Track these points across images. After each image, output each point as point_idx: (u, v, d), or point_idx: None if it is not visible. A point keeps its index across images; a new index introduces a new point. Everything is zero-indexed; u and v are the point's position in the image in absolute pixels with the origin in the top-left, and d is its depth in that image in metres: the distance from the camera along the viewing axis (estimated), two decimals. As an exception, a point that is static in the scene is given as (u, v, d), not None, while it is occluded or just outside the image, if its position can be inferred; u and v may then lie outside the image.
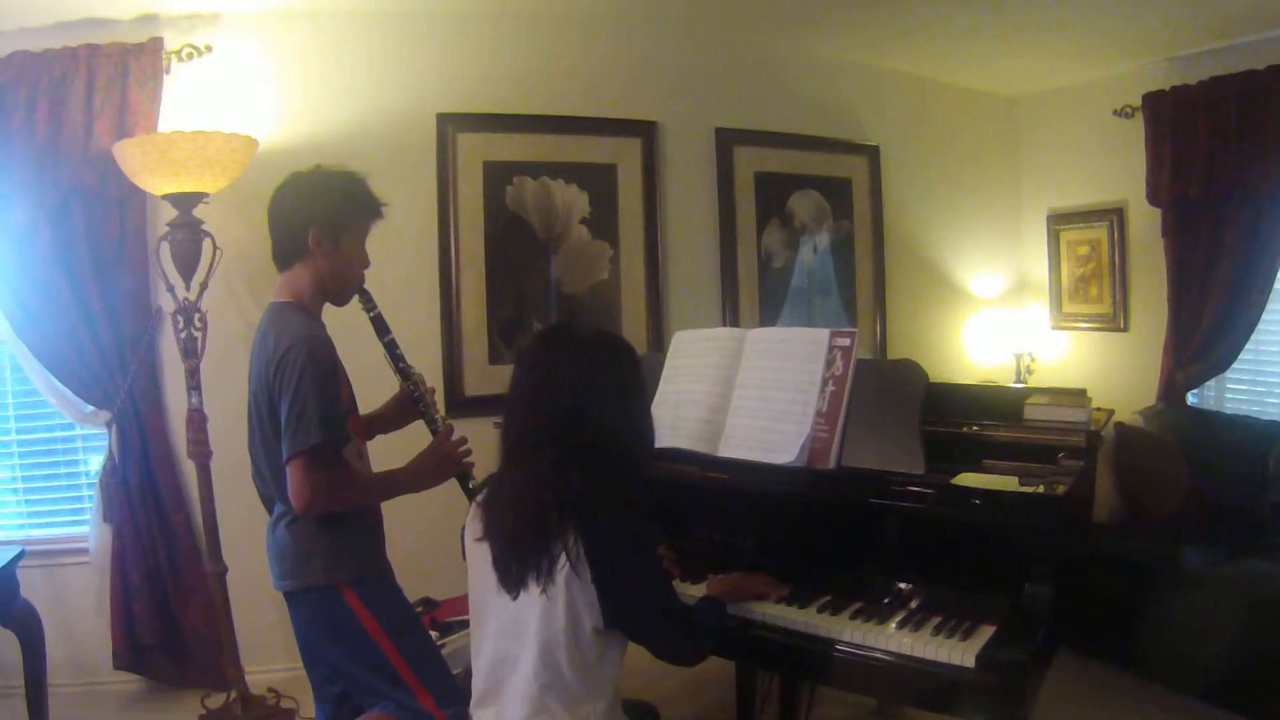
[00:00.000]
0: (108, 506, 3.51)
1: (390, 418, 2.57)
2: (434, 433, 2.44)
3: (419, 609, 3.22)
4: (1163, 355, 4.30)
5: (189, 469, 3.50)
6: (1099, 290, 4.75)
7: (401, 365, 2.47)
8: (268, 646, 3.64)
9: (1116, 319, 4.67)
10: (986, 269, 5.07)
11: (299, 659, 3.54)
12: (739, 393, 2.41)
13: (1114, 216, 4.63)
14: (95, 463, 3.64)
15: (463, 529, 2.02)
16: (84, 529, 3.64)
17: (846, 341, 2.28)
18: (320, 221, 2.21)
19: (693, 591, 2.23)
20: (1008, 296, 5.10)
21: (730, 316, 4.32)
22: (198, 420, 3.32)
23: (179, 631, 3.60)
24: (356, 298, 2.41)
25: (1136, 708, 3.25)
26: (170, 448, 3.60)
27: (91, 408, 3.51)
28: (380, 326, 2.45)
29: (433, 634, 2.80)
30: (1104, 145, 4.64)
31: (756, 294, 4.42)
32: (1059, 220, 4.93)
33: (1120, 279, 4.64)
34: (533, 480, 1.78)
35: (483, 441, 2.39)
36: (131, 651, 3.55)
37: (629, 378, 1.89)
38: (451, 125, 3.86)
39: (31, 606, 2.89)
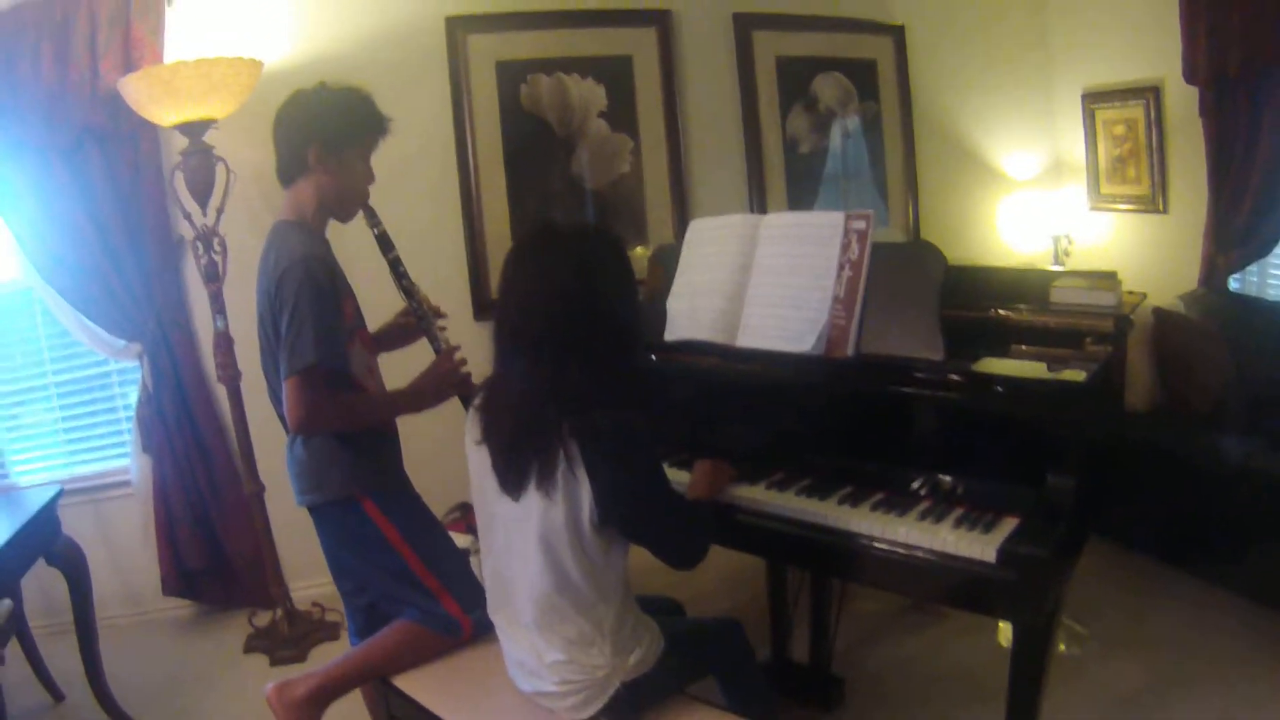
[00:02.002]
0: (145, 437, 3.55)
1: (395, 336, 2.56)
2: (437, 352, 2.42)
3: (456, 514, 3.26)
4: (1203, 239, 4.12)
5: (222, 393, 3.51)
6: (1137, 171, 4.56)
7: (404, 283, 2.44)
8: (310, 562, 3.62)
9: (1155, 201, 4.48)
10: (1021, 149, 4.90)
11: None
12: (755, 280, 2.34)
13: (1150, 95, 4.40)
14: (132, 396, 3.66)
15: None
16: (124, 462, 3.68)
17: (862, 224, 2.18)
18: (320, 138, 2.19)
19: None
20: (1044, 178, 4.93)
21: (757, 204, 4.24)
22: (224, 343, 3.32)
23: (224, 554, 3.67)
24: (361, 214, 2.37)
25: (1174, 600, 3.22)
26: (202, 373, 3.62)
27: (123, 342, 3.52)
28: (384, 243, 2.42)
29: (469, 538, 2.81)
30: (1138, 20, 4.39)
31: (783, 180, 4.32)
32: (1094, 99, 4.71)
33: (1159, 160, 4.43)
34: (527, 381, 1.77)
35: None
36: (179, 577, 3.63)
37: (617, 271, 1.84)
38: (461, 27, 3.76)
39: (75, 544, 2.92)
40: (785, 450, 2.30)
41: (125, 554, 3.66)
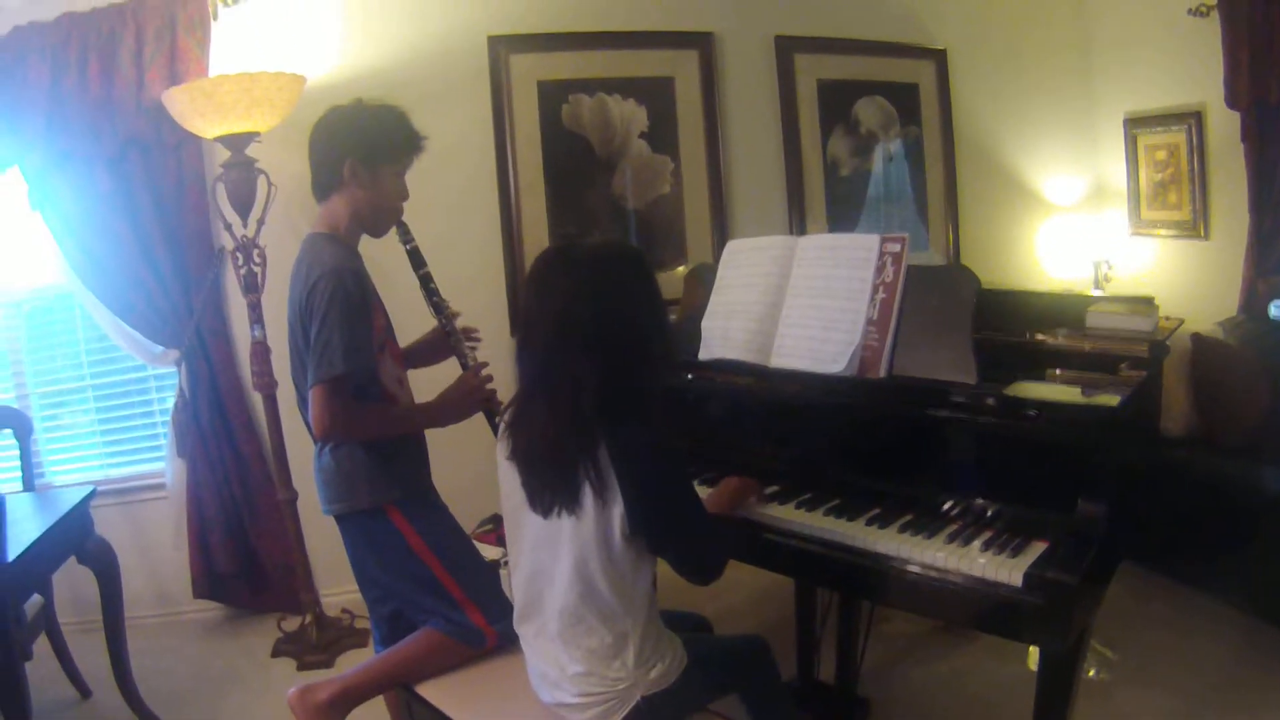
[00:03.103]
0: (181, 442, 3.59)
1: (427, 351, 2.60)
2: (464, 368, 2.45)
3: (488, 526, 3.27)
4: (1244, 265, 4.07)
5: (257, 400, 3.56)
6: (1178, 196, 4.51)
7: (435, 300, 2.48)
8: (340, 570, 3.61)
9: (1197, 226, 4.42)
10: (1062, 173, 4.86)
11: None
12: (789, 302, 2.35)
13: (1192, 120, 4.36)
14: (168, 401, 3.70)
15: None
16: (159, 465, 3.73)
17: (897, 247, 2.18)
18: (356, 153, 2.23)
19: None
20: (1085, 202, 4.89)
21: (798, 226, 4.24)
22: (261, 352, 3.37)
23: (255, 559, 3.71)
24: (394, 230, 2.41)
25: (1207, 627, 3.16)
26: (238, 381, 3.67)
27: (161, 348, 3.57)
28: (416, 259, 2.46)
29: (499, 550, 2.82)
30: (1179, 46, 4.36)
31: (823, 203, 4.33)
32: (1136, 124, 4.67)
33: (1200, 185, 4.38)
34: (552, 398, 1.76)
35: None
36: (209, 580, 3.68)
37: (638, 288, 1.82)
38: (503, 47, 3.80)
39: (106, 543, 2.95)
40: (815, 470, 2.29)
41: (156, 555, 3.71)
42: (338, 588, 3.69)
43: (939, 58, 4.52)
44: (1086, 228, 4.76)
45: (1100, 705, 2.75)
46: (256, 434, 3.67)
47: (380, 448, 2.25)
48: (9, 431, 3.16)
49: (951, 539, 1.93)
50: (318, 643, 3.42)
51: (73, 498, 2.87)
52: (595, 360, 1.73)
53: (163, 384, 3.80)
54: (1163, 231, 4.63)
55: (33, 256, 3.59)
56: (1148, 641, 3.09)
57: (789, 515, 2.15)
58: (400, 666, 2.24)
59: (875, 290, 2.19)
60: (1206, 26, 4.13)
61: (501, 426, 1.95)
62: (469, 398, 2.39)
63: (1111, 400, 1.92)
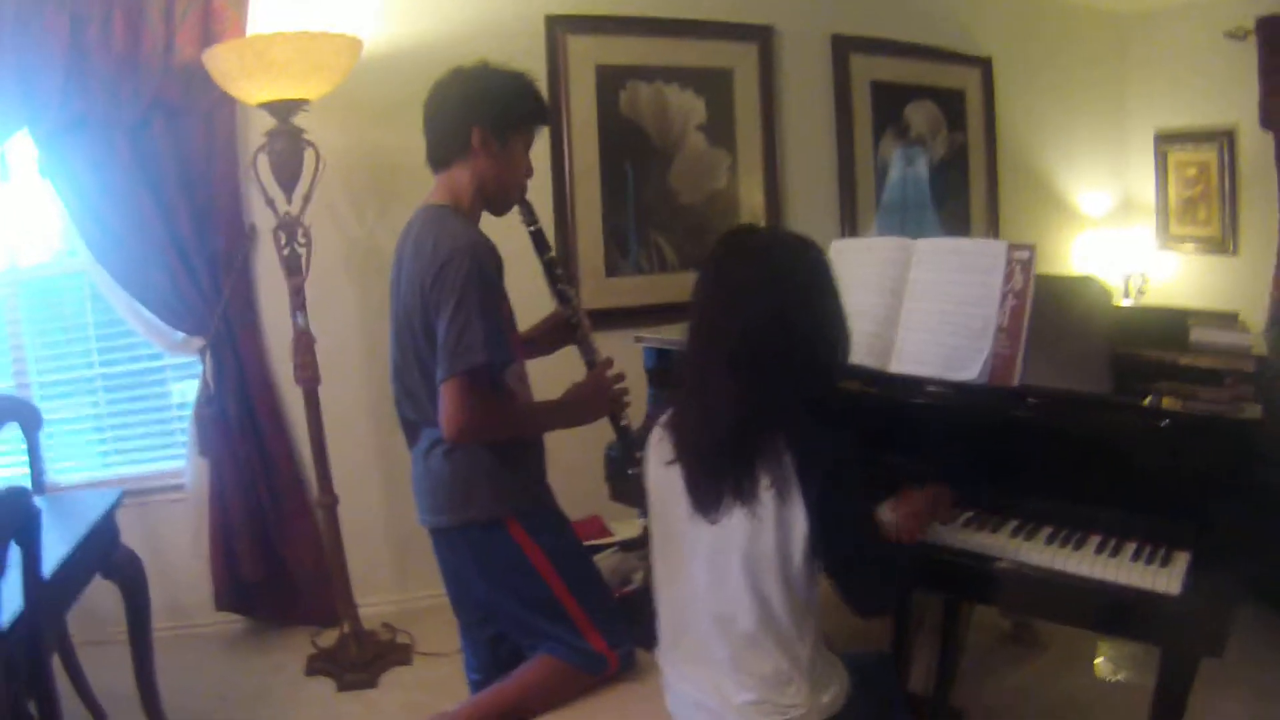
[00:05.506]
0: (203, 440, 3.28)
1: (541, 343, 2.36)
2: (590, 364, 2.24)
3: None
4: (1272, 282, 4.17)
5: (289, 396, 3.30)
6: (1207, 213, 4.61)
7: (560, 287, 2.27)
8: (375, 579, 3.52)
9: (1225, 243, 4.54)
10: (1094, 187, 4.92)
11: (409, 591, 3.52)
12: (909, 305, 2.26)
13: (1224, 139, 4.46)
14: (186, 394, 3.41)
15: (608, 448, 1.85)
16: (174, 464, 3.44)
17: (1026, 255, 2.12)
18: (485, 121, 2.02)
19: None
20: (1114, 216, 4.96)
21: (849, 228, 4.17)
22: (305, 342, 3.09)
23: (283, 567, 3.41)
24: (516, 209, 2.21)
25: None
26: (269, 373, 3.38)
27: (182, 335, 3.26)
28: (540, 242, 2.26)
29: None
30: (1214, 67, 4.46)
31: (873, 205, 4.26)
32: (1166, 140, 4.77)
33: (1230, 202, 4.50)
34: (729, 396, 1.62)
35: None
36: (234, 591, 3.38)
37: (821, 279, 1.71)
38: (561, 27, 3.61)
39: (134, 555, 2.65)
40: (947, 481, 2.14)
41: (170, 562, 3.37)
42: (374, 598, 3.46)
43: (985, 66, 4.52)
44: (1115, 241, 4.82)
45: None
46: (286, 432, 3.39)
47: (506, 452, 2.04)
48: (14, 425, 2.80)
49: (1100, 549, 1.90)
50: (357, 660, 3.14)
51: (98, 503, 2.54)
52: (775, 355, 1.61)
53: (180, 375, 3.48)
54: (1191, 246, 4.74)
55: (39, 231, 3.28)
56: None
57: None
58: (514, 700, 2.04)
59: (1004, 298, 2.12)
60: (1243, 49, 4.24)
61: (657, 428, 1.79)
62: (602, 393, 2.19)
63: (1256, 412, 1.86)
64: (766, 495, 1.58)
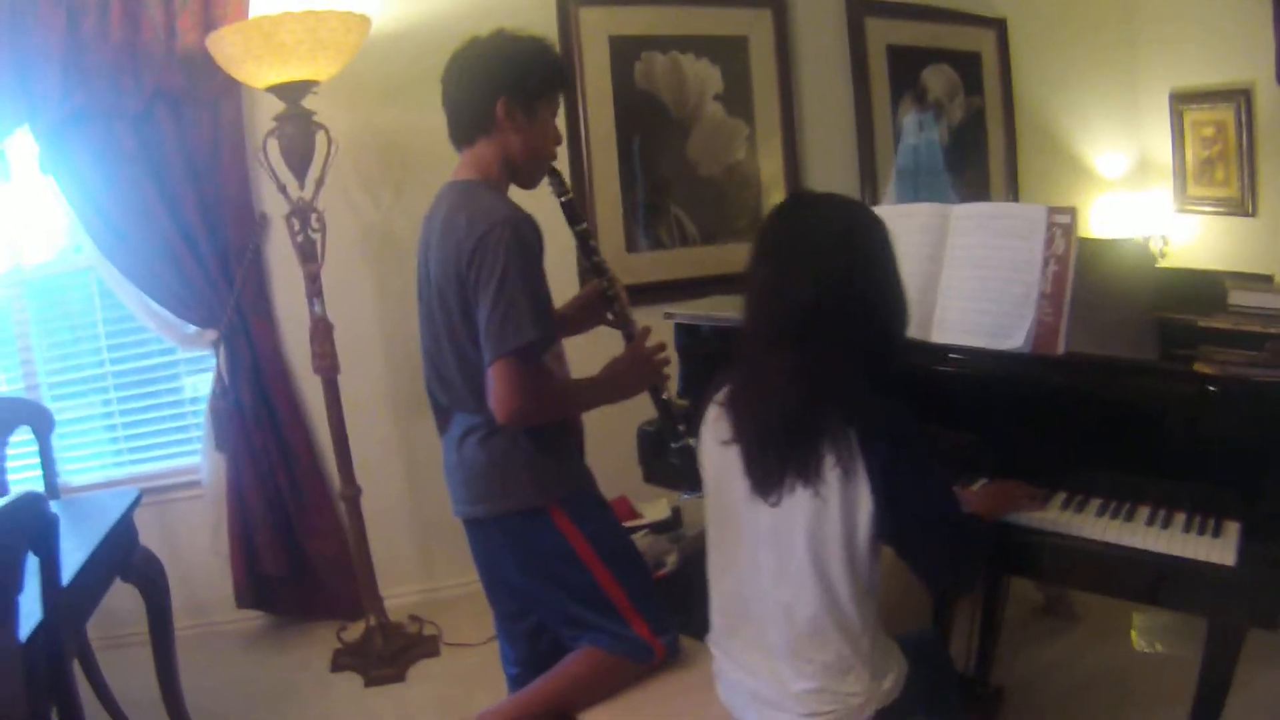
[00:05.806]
0: (220, 433, 3.21)
1: (575, 320, 2.27)
2: (628, 337, 2.14)
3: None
4: (1293, 244, 4.11)
5: (306, 386, 3.24)
6: (1225, 173, 4.51)
7: (595, 259, 2.17)
8: (400, 570, 3.46)
9: (1244, 203, 4.43)
10: (1110, 149, 4.82)
11: (435, 580, 3.46)
12: (949, 272, 2.19)
13: (1241, 98, 4.34)
14: (199, 389, 3.34)
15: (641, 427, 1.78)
16: (190, 460, 3.37)
17: (1066, 219, 2.05)
18: (510, 91, 1.92)
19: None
20: (1131, 179, 4.86)
21: (869, 195, 4.10)
22: (323, 330, 3.02)
23: (305, 561, 3.35)
24: (546, 180, 2.11)
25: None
26: (284, 363, 3.31)
27: (195, 328, 3.19)
28: (571, 214, 2.15)
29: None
30: (1228, 23, 4.33)
31: (893, 172, 4.20)
32: (1183, 100, 4.65)
33: (1248, 162, 4.39)
34: (789, 373, 1.56)
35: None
36: (255, 587, 3.32)
37: (885, 244, 1.65)
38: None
39: (154, 556, 2.59)
40: (990, 453, 2.12)
41: (189, 560, 3.31)
42: (397, 589, 3.39)
43: (1000, 27, 4.42)
44: (1133, 203, 4.73)
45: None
46: (304, 422, 3.32)
47: (545, 436, 1.95)
48: (26, 429, 2.74)
49: (1150, 521, 1.85)
50: (384, 653, 3.08)
51: (115, 505, 2.47)
52: (839, 328, 1.56)
53: (193, 370, 3.41)
54: (1209, 208, 4.63)
55: (43, 228, 3.19)
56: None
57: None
58: (560, 694, 1.97)
59: (1046, 263, 2.05)
60: (1256, 4, 4.09)
61: (713, 407, 1.72)
62: (640, 369, 2.09)
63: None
64: (831, 475, 1.53)
